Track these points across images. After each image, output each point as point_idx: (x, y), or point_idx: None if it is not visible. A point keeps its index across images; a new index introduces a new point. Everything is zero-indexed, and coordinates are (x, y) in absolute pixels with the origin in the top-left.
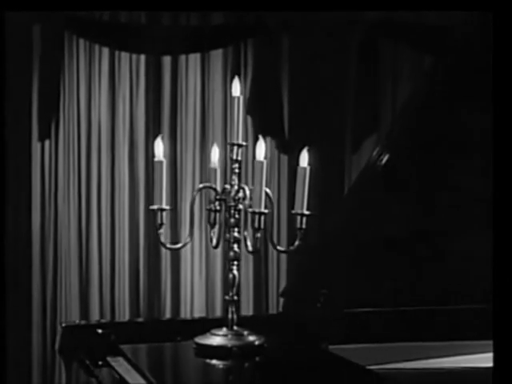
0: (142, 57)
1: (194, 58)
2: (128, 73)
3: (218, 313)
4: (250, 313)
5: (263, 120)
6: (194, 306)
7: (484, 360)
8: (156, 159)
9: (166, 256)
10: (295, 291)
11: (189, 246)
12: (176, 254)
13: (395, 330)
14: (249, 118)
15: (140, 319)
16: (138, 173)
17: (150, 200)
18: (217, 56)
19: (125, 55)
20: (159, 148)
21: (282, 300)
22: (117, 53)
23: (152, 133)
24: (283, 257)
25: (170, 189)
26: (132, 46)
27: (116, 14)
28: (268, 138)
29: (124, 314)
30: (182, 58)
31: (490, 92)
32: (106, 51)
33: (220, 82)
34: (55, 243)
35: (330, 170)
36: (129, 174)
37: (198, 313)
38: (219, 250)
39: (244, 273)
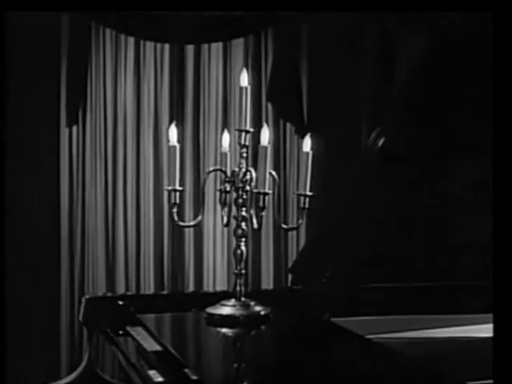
0: (166, 46)
1: (216, 47)
2: (152, 61)
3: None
4: (271, 286)
5: (283, 106)
6: (216, 280)
7: (484, 331)
8: (170, 144)
9: (188, 233)
10: (302, 267)
11: (211, 224)
12: (198, 232)
13: (396, 304)
14: (269, 105)
15: (164, 292)
16: (162, 156)
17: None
18: (238, 45)
19: (149, 44)
20: (173, 134)
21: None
22: (142, 42)
23: (175, 118)
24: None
25: (192, 171)
26: (156, 35)
27: None
28: (288, 124)
29: (149, 288)
30: (205, 46)
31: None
32: (131, 41)
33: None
34: (83, 223)
35: (347, 154)
36: (153, 158)
37: (221, 286)
38: None
39: (264, 249)
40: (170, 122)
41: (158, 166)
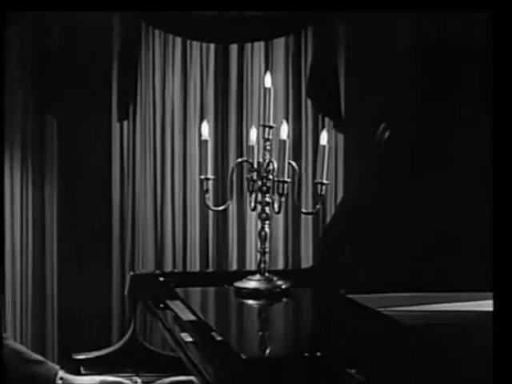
0: (212, 45)
1: (259, 46)
2: (199, 60)
3: (281, 265)
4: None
5: (322, 102)
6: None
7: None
8: (202, 138)
9: (232, 216)
10: (324, 248)
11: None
12: (241, 216)
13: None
14: (308, 101)
15: (200, 270)
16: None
17: (216, 172)
18: (279, 44)
19: (196, 44)
20: (205, 129)
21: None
22: (188, 42)
23: (220, 115)
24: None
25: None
26: (202, 35)
27: None
28: (326, 119)
29: (195, 267)
30: (248, 46)
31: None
32: (178, 41)
33: (282, 67)
34: (133, 211)
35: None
36: (198, 150)
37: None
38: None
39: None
40: (216, 118)
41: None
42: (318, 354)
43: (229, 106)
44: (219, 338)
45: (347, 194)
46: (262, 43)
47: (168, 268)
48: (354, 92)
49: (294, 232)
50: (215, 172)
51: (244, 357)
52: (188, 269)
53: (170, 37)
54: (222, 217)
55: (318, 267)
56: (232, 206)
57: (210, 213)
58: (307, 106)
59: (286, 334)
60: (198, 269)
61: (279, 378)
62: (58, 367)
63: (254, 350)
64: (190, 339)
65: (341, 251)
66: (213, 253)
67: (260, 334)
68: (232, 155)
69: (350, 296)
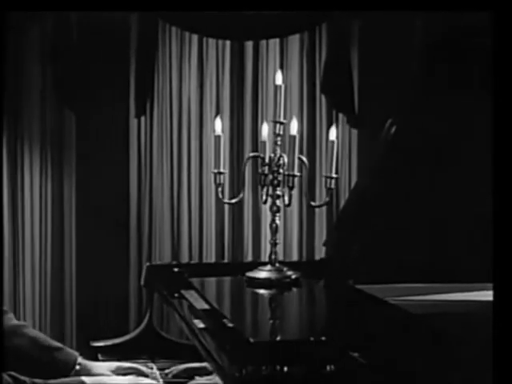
0: (227, 42)
1: (274, 43)
2: (214, 57)
3: (295, 257)
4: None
5: (336, 98)
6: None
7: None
8: (216, 133)
9: (248, 209)
10: (334, 241)
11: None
12: (256, 208)
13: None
14: (323, 97)
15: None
16: (225, 147)
17: (232, 167)
18: (294, 40)
19: (212, 41)
20: (218, 125)
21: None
22: (205, 39)
23: (236, 110)
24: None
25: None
26: (218, 32)
27: None
28: (340, 114)
29: (211, 258)
30: (263, 42)
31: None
32: (195, 38)
33: (297, 63)
34: (150, 205)
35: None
36: (214, 146)
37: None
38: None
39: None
40: (231, 114)
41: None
42: (323, 338)
43: (244, 102)
44: (230, 325)
45: (359, 183)
46: (277, 40)
47: (184, 260)
48: (367, 88)
49: (308, 225)
50: (231, 167)
51: (252, 340)
52: (204, 260)
53: (187, 34)
54: (237, 210)
55: (328, 259)
56: (248, 199)
57: (226, 206)
58: (321, 101)
59: (294, 321)
60: (213, 260)
61: (285, 361)
62: (77, 353)
63: (261, 335)
64: (202, 326)
65: (352, 242)
66: (228, 245)
67: (269, 320)
68: (247, 150)
69: (359, 286)
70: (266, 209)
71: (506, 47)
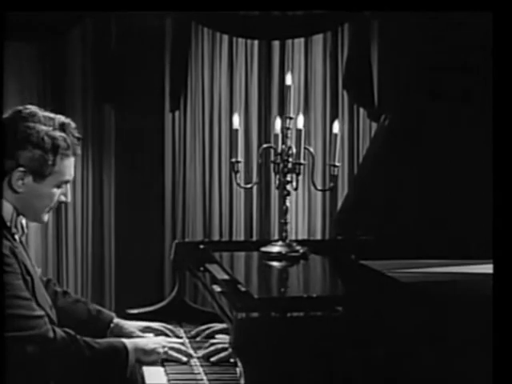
0: (256, 42)
1: (299, 43)
2: (243, 55)
3: (319, 235)
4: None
5: (356, 93)
6: (298, 230)
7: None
8: (233, 127)
9: (274, 194)
10: (341, 222)
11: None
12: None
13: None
14: (344, 92)
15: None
16: (252, 138)
17: (261, 157)
18: (318, 40)
19: (241, 41)
20: (236, 120)
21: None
22: (234, 39)
23: (263, 105)
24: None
25: None
26: (247, 33)
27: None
28: (361, 109)
29: (240, 236)
30: (289, 42)
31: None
32: (225, 38)
33: (321, 62)
34: (184, 195)
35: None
36: (244, 141)
37: (301, 235)
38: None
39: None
40: (259, 109)
41: (248, 145)
42: (314, 295)
43: (271, 98)
44: (243, 289)
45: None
46: (302, 40)
47: (215, 237)
48: (386, 83)
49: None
50: (260, 157)
51: (256, 296)
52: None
53: (218, 34)
54: (264, 194)
55: (335, 238)
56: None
57: (254, 191)
58: (343, 97)
59: (296, 284)
60: (242, 238)
61: (282, 315)
62: (113, 314)
63: (264, 293)
64: (219, 289)
65: (355, 225)
66: (256, 226)
67: (275, 284)
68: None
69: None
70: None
71: (505, 47)
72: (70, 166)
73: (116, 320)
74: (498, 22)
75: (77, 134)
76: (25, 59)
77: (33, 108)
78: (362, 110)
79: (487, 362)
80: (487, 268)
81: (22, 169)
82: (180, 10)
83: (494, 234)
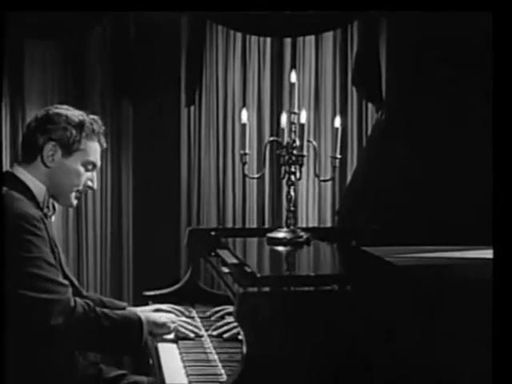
0: (268, 40)
1: (310, 40)
2: (256, 52)
3: (329, 223)
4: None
5: (365, 89)
6: (308, 218)
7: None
8: (242, 122)
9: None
10: (344, 211)
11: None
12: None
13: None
14: (354, 88)
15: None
16: (264, 131)
17: (273, 152)
18: (328, 37)
19: (254, 38)
20: (244, 115)
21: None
22: (248, 37)
23: (276, 103)
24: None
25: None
26: (260, 31)
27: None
28: (369, 104)
29: (253, 224)
30: (300, 39)
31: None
32: (239, 36)
33: (331, 58)
34: (199, 188)
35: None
36: (256, 135)
37: (311, 223)
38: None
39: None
40: (271, 104)
41: (260, 140)
42: (312, 274)
43: (283, 93)
44: (249, 270)
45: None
46: (313, 37)
47: (229, 225)
48: (394, 80)
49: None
50: (272, 149)
51: (258, 275)
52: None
53: (232, 32)
54: (276, 184)
55: (336, 226)
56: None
57: (266, 181)
58: (353, 92)
59: (297, 265)
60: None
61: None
62: (125, 303)
63: (266, 272)
64: (227, 271)
65: (357, 215)
66: (268, 214)
67: (278, 265)
68: (286, 136)
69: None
70: (301, 184)
71: (505, 47)
72: (95, 150)
73: (128, 308)
74: (498, 22)
75: (103, 127)
76: (48, 60)
77: (64, 106)
78: (370, 105)
79: (486, 344)
80: (486, 253)
81: (52, 142)
82: (196, 11)
83: (494, 220)
